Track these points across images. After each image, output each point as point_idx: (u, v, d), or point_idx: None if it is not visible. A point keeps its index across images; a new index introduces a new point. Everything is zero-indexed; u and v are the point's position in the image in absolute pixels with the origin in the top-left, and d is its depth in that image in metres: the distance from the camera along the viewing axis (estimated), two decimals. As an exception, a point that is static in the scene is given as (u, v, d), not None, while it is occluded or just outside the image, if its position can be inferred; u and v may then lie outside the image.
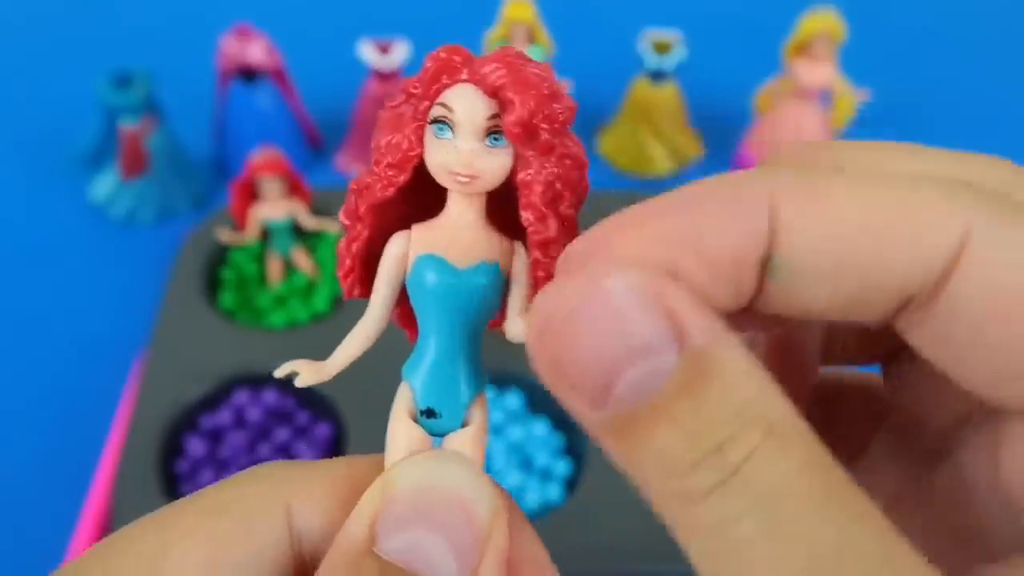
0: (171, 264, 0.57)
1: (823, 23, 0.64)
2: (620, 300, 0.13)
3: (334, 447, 0.48)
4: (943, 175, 0.14)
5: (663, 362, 0.12)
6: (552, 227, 0.16)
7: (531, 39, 0.65)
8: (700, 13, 0.88)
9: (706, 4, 0.91)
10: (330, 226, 0.58)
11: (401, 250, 0.17)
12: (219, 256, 0.58)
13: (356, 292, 0.18)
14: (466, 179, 0.16)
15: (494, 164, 0.16)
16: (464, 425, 0.17)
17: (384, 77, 0.65)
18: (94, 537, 0.45)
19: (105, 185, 0.65)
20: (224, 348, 0.51)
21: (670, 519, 0.13)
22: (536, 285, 0.17)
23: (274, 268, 0.57)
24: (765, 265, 0.14)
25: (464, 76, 0.16)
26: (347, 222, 0.17)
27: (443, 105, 0.16)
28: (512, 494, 0.48)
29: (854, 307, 0.14)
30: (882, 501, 0.15)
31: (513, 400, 0.50)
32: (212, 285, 0.57)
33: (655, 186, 0.69)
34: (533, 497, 0.46)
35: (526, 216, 0.16)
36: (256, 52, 0.65)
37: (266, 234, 0.57)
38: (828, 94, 0.67)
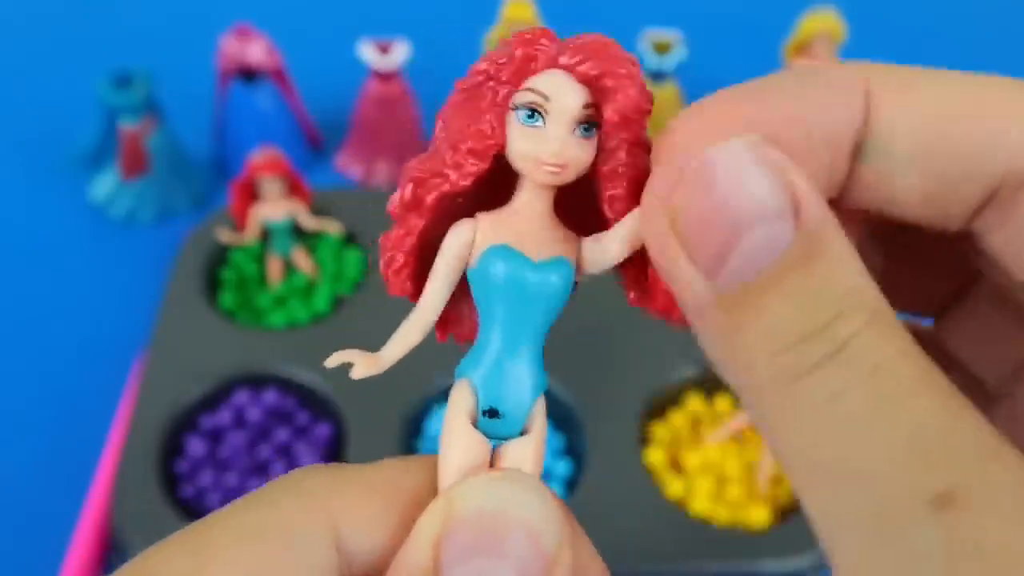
0: (171, 264, 0.57)
1: (823, 23, 0.64)
2: (743, 163, 0.13)
3: (334, 447, 0.48)
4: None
5: (782, 231, 0.12)
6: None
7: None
8: (700, 13, 0.88)
9: (706, 4, 0.91)
10: (330, 226, 0.58)
11: (467, 238, 0.16)
12: (219, 256, 0.58)
13: (408, 290, 0.17)
14: (556, 169, 0.15)
15: (583, 154, 0.15)
16: (524, 431, 0.16)
17: (384, 77, 0.65)
18: (94, 537, 0.45)
19: (105, 185, 0.65)
20: (224, 348, 0.51)
21: (768, 402, 0.13)
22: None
23: (274, 268, 0.57)
24: (857, 151, 0.14)
25: (559, 62, 0.15)
26: (400, 212, 0.16)
27: (534, 91, 0.15)
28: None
29: (940, 198, 0.14)
30: None
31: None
32: (212, 285, 0.57)
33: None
34: (533, 497, 0.46)
35: (612, 209, 0.16)
36: (256, 52, 0.65)
37: (266, 234, 0.57)
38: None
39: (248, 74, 0.66)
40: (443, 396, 0.51)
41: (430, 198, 0.16)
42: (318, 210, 0.58)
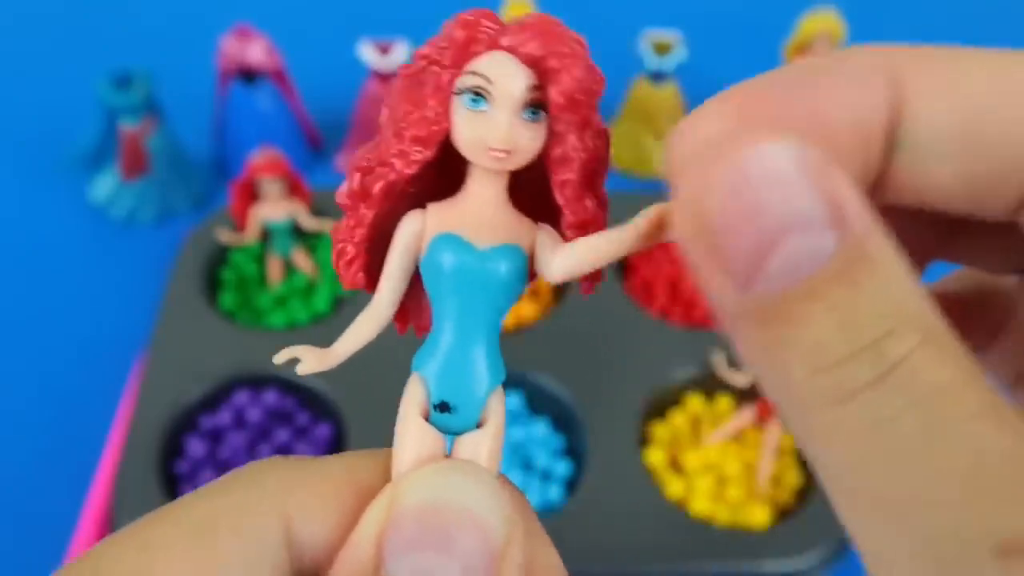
0: (171, 264, 0.57)
1: (823, 23, 0.64)
2: (782, 166, 0.12)
3: (334, 447, 0.48)
4: None
5: (823, 241, 0.11)
6: (590, 207, 0.15)
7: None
8: (700, 14, 0.88)
9: (706, 4, 0.91)
10: (330, 226, 0.58)
11: (416, 228, 0.15)
12: (219, 256, 0.58)
13: (359, 282, 0.16)
14: (503, 155, 0.15)
15: (531, 139, 0.15)
16: (480, 423, 0.16)
17: (384, 77, 0.65)
18: (94, 537, 0.45)
19: (105, 185, 0.65)
20: (224, 348, 0.51)
21: (809, 423, 0.12)
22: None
23: (274, 268, 0.57)
24: (892, 141, 0.13)
25: (501, 44, 0.14)
26: (348, 203, 0.16)
27: (477, 74, 0.15)
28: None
29: (982, 190, 0.13)
30: None
31: (513, 400, 0.50)
32: (212, 285, 0.57)
33: (655, 187, 0.69)
34: (533, 497, 0.46)
35: (563, 195, 0.15)
36: (256, 52, 0.65)
37: (266, 235, 0.57)
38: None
39: (248, 74, 0.66)
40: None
41: (377, 188, 0.15)
42: (318, 210, 0.58)
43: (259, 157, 0.55)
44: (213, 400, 0.50)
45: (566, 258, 0.15)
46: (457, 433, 0.16)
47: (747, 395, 0.50)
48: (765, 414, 0.48)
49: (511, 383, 0.51)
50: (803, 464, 0.48)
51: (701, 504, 0.46)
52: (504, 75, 0.14)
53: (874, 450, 0.12)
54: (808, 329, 0.12)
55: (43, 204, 0.66)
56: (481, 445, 0.15)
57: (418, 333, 0.17)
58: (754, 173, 0.12)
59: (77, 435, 0.51)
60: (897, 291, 0.12)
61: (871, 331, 0.11)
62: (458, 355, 0.16)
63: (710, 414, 0.51)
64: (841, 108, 0.13)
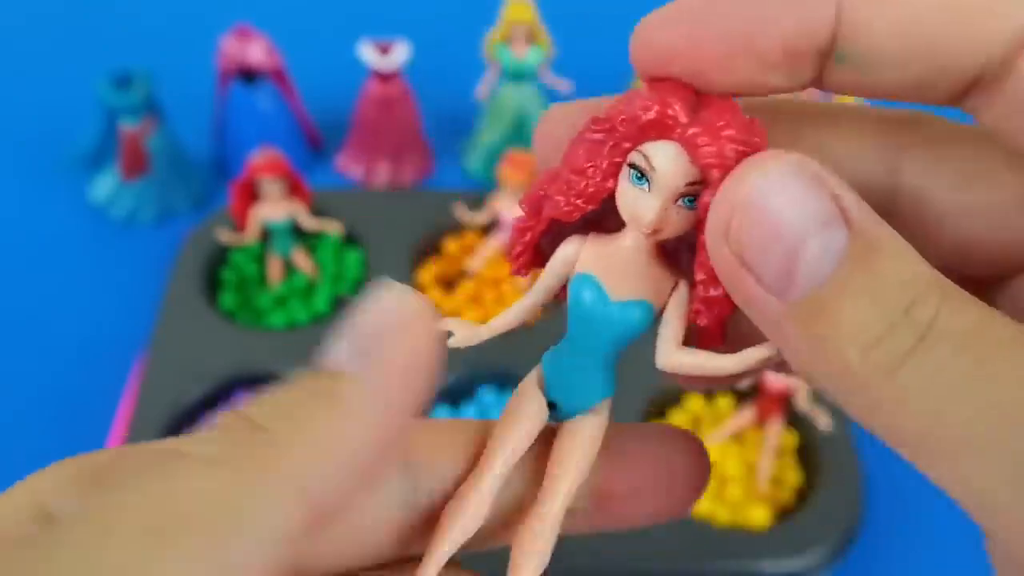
0: (171, 264, 0.57)
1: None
2: (785, 183, 0.14)
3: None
4: None
5: (836, 237, 0.13)
6: (721, 290, 0.16)
7: (531, 40, 0.65)
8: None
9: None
10: (330, 227, 0.58)
11: (570, 257, 0.17)
12: (219, 257, 0.58)
13: (523, 273, 0.18)
14: (649, 231, 0.16)
15: (680, 221, 0.16)
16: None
17: (384, 78, 0.65)
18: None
19: (105, 186, 0.65)
20: (224, 348, 0.52)
21: (875, 397, 0.13)
22: (695, 326, 0.17)
23: (274, 269, 0.57)
24: (828, 53, 0.14)
25: (675, 135, 0.15)
26: (526, 209, 0.17)
27: (645, 156, 0.16)
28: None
29: (920, 90, 0.15)
30: None
31: (513, 400, 0.50)
32: (212, 285, 0.57)
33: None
34: (533, 497, 0.46)
35: (700, 275, 0.16)
36: (256, 53, 0.65)
37: (266, 235, 0.57)
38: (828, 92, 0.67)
39: (248, 75, 0.66)
40: (444, 397, 0.51)
41: (544, 213, 0.17)
42: (318, 210, 0.59)
43: (259, 157, 0.55)
44: (213, 400, 0.50)
45: (679, 356, 0.17)
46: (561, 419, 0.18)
47: (747, 395, 0.50)
48: (765, 414, 0.48)
49: (511, 383, 0.51)
50: (803, 464, 0.48)
51: (701, 504, 0.46)
52: (668, 167, 0.15)
53: (939, 400, 0.13)
54: (846, 316, 0.13)
55: (43, 204, 0.66)
56: (581, 429, 0.17)
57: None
58: (766, 195, 0.14)
59: (77, 435, 0.51)
60: (908, 264, 0.13)
61: (899, 303, 0.13)
62: (571, 371, 0.17)
63: (710, 414, 0.51)
64: (781, 26, 0.14)
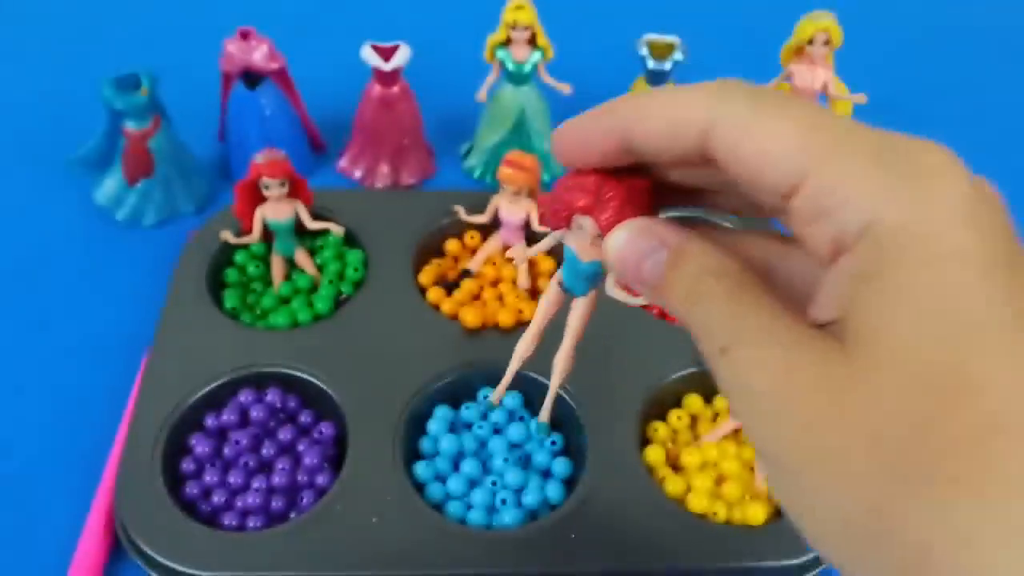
0: (175, 265, 0.57)
1: (820, 25, 0.64)
2: (626, 235, 0.24)
3: (338, 446, 0.49)
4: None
5: (660, 256, 0.23)
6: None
7: (531, 42, 0.65)
8: (700, 15, 0.88)
9: (706, 5, 0.92)
10: (332, 227, 0.58)
11: (559, 236, 0.29)
12: (223, 257, 0.58)
13: (547, 228, 0.29)
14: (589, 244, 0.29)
15: (595, 239, 0.28)
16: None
17: (386, 80, 0.66)
18: (101, 536, 0.46)
19: (110, 187, 0.65)
20: (228, 348, 0.52)
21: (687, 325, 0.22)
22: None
23: (277, 269, 0.58)
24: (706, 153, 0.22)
25: (591, 214, 0.26)
26: (540, 208, 0.28)
27: (579, 224, 0.27)
28: (511, 494, 0.48)
29: (754, 208, 0.24)
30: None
31: (513, 400, 0.51)
32: (216, 286, 0.57)
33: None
34: (533, 497, 0.46)
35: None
36: (259, 55, 0.65)
37: (269, 235, 0.58)
38: (825, 96, 0.67)
39: (252, 77, 0.66)
40: (444, 397, 0.51)
41: (547, 214, 0.28)
42: (321, 211, 0.59)
43: (262, 158, 0.55)
44: (217, 399, 0.50)
45: (612, 292, 0.29)
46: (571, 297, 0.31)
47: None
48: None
49: (511, 383, 0.51)
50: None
51: (699, 502, 0.46)
52: (588, 226, 0.27)
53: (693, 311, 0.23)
54: (678, 288, 0.23)
55: (49, 205, 0.67)
56: (579, 303, 0.31)
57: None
58: (625, 244, 0.24)
59: (82, 435, 0.51)
60: (698, 260, 0.23)
61: (696, 278, 0.22)
62: (571, 280, 0.30)
63: (709, 413, 0.51)
64: (662, 119, 0.23)
